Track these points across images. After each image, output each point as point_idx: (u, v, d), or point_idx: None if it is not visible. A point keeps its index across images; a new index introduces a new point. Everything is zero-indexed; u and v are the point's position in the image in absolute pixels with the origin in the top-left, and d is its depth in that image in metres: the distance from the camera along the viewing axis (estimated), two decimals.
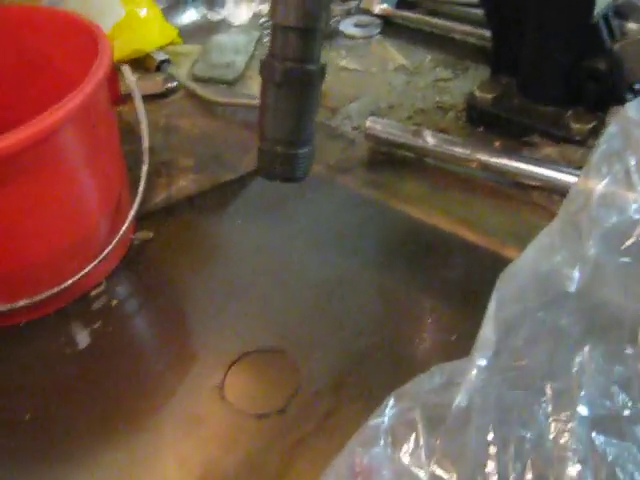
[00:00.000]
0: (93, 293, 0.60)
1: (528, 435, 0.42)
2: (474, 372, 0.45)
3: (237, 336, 0.56)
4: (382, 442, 0.43)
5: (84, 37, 0.59)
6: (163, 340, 0.57)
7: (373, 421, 0.44)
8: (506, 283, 0.50)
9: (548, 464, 0.40)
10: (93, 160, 0.56)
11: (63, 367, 0.55)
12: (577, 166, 0.67)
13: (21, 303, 0.56)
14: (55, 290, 0.57)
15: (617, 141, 0.54)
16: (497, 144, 0.72)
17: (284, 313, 0.58)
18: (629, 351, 0.45)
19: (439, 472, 0.41)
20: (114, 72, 0.56)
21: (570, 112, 0.71)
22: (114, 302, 0.60)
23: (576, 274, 0.49)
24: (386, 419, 0.44)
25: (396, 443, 0.43)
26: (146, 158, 0.61)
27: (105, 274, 0.62)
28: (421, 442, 0.43)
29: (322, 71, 0.49)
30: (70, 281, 0.57)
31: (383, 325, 0.56)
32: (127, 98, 0.67)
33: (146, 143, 0.61)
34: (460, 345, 0.53)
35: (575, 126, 0.69)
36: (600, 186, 0.52)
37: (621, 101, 0.69)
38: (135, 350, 0.57)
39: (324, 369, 0.53)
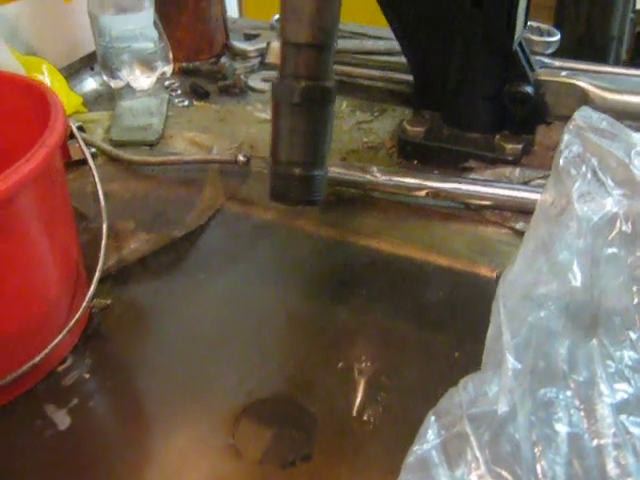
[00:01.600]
0: (60, 369, 0.54)
1: (567, 430, 0.42)
2: (508, 377, 0.45)
3: (233, 389, 0.52)
4: (436, 462, 0.42)
5: (24, 97, 0.55)
6: (152, 407, 0.52)
7: (419, 445, 0.42)
8: (508, 288, 0.51)
9: (590, 455, 0.40)
10: (53, 224, 0.52)
11: (47, 452, 0.49)
12: (518, 183, 0.70)
13: None
14: (22, 370, 0.51)
15: (576, 146, 0.57)
16: (436, 173, 0.73)
17: (272, 359, 0.55)
18: (633, 336, 0.46)
19: None
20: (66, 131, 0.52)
21: (498, 136, 0.75)
22: (85, 376, 0.54)
23: (576, 268, 0.50)
24: (433, 438, 0.43)
25: (451, 460, 0.41)
26: (104, 215, 0.56)
27: (69, 348, 0.56)
28: (477, 453, 0.41)
29: (336, 89, 0.48)
30: (37, 358, 0.51)
31: (381, 354, 0.54)
32: None
33: (102, 201, 0.57)
34: (465, 360, 0.53)
35: (508, 147, 0.73)
36: (576, 186, 0.54)
37: (545, 121, 0.74)
38: (125, 422, 0.52)
39: (337, 406, 0.50)
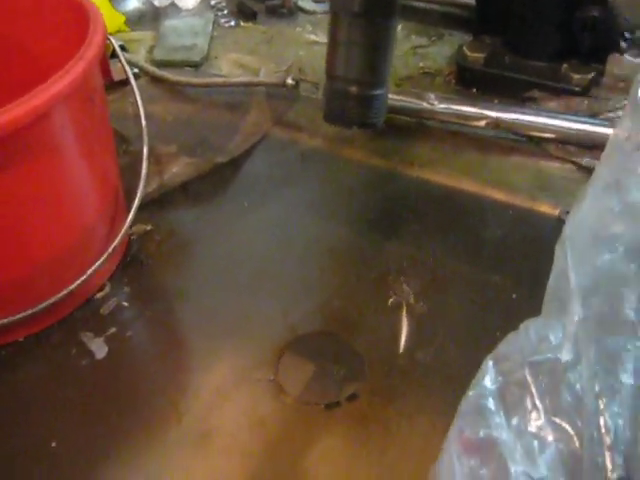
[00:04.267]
0: (98, 296, 0.53)
1: (633, 382, 0.38)
2: (574, 323, 0.41)
3: (275, 323, 0.50)
4: (493, 409, 0.39)
5: (64, 11, 0.52)
6: (192, 338, 0.50)
7: (475, 390, 0.39)
8: (576, 229, 0.47)
9: None
10: (91, 145, 0.49)
11: (83, 381, 0.47)
12: (585, 116, 0.65)
13: (19, 316, 0.48)
14: (58, 297, 0.49)
15: None
16: (497, 103, 0.69)
17: (318, 292, 0.52)
18: None
19: (559, 433, 0.37)
20: (105, 47, 0.49)
21: (565, 65, 0.69)
22: (124, 304, 0.52)
23: None
24: (490, 384, 0.40)
25: (509, 408, 0.38)
26: (145, 138, 0.54)
27: (107, 275, 0.54)
28: (537, 403, 0.38)
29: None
30: (74, 285, 0.49)
31: (432, 292, 0.51)
32: None
33: (144, 122, 0.54)
34: (524, 303, 0.50)
35: (576, 77, 0.67)
36: None
37: (617, 49, 0.68)
38: (163, 353, 0.50)
39: (385, 345, 0.48)
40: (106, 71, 0.52)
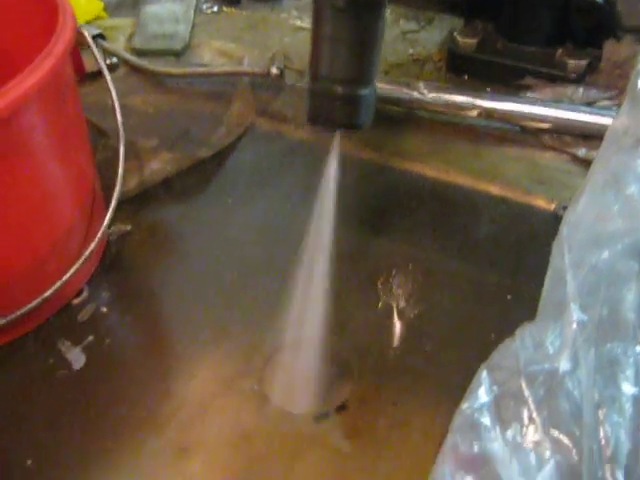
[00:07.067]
0: (76, 301, 0.50)
1: (634, 391, 0.37)
2: (572, 329, 0.40)
3: (261, 328, 0.48)
4: (488, 423, 0.37)
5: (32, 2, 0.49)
6: (173, 345, 0.48)
7: (469, 403, 0.37)
8: (573, 229, 0.45)
9: None
10: (64, 144, 0.47)
11: (60, 393, 0.45)
12: (580, 104, 0.63)
13: None
14: (34, 304, 0.47)
15: None
16: (489, 90, 0.66)
17: None
18: None
19: (557, 446, 0.35)
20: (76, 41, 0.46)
21: (560, 50, 0.67)
22: (103, 310, 0.50)
23: None
24: (485, 396, 0.38)
25: (504, 421, 0.37)
26: (122, 134, 0.51)
27: (85, 279, 0.52)
28: (534, 415, 0.37)
29: None
30: (50, 291, 0.47)
31: (424, 293, 0.49)
32: None
33: (119, 117, 0.51)
34: (519, 304, 0.48)
35: (571, 63, 0.65)
36: None
37: (614, 34, 0.65)
38: (143, 362, 0.48)
39: (375, 352, 0.46)
40: (78, 64, 0.49)
